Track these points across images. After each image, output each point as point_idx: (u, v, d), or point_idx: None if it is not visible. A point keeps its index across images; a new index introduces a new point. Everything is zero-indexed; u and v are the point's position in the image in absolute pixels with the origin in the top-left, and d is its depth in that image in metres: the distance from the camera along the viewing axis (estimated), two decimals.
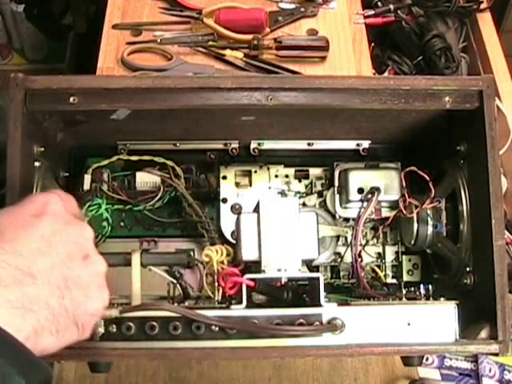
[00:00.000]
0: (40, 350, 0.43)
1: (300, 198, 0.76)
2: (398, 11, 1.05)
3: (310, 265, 0.72)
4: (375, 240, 0.77)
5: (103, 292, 0.49)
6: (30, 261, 0.44)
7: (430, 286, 0.64)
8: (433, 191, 0.69)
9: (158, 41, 0.95)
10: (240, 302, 0.59)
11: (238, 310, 0.59)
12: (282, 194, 0.76)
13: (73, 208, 0.52)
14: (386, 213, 0.74)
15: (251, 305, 0.60)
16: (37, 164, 0.63)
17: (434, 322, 0.60)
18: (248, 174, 0.76)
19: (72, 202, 0.52)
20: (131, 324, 0.58)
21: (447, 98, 0.63)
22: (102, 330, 0.56)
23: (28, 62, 1.65)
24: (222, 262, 0.68)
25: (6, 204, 0.57)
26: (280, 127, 0.70)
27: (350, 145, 0.75)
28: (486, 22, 1.07)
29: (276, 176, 0.77)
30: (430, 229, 0.70)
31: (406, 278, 0.76)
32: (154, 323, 0.58)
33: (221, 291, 0.64)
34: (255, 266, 0.64)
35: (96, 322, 0.50)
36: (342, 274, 0.75)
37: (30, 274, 0.43)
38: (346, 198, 0.73)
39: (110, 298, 0.62)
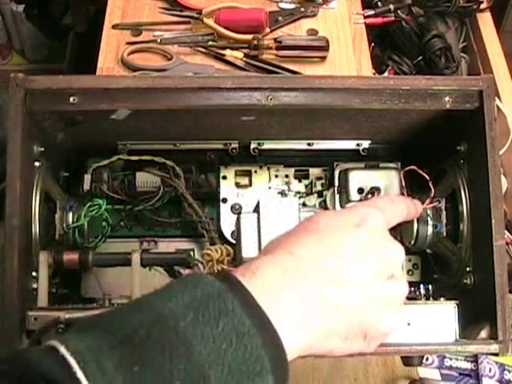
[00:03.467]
0: (326, 351, 0.45)
1: (300, 198, 0.76)
2: (398, 11, 1.05)
3: None
4: None
5: (398, 315, 0.48)
6: (341, 266, 0.45)
7: (430, 286, 0.64)
8: (433, 191, 0.68)
9: (158, 41, 0.95)
10: None
11: None
12: (282, 193, 0.76)
13: (393, 220, 0.52)
14: None
15: None
16: (37, 164, 0.63)
17: (434, 321, 0.60)
18: (248, 173, 0.76)
19: (395, 213, 0.53)
20: None
21: (447, 98, 0.63)
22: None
23: (28, 62, 1.65)
24: (222, 262, 0.68)
25: (5, 203, 0.57)
26: (280, 127, 0.70)
27: (349, 145, 0.75)
28: (486, 22, 1.07)
29: (276, 176, 0.77)
30: (429, 229, 0.70)
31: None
32: None
33: None
34: None
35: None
36: None
37: (340, 279, 0.44)
38: (345, 198, 0.73)
39: (110, 297, 0.63)
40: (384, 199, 0.54)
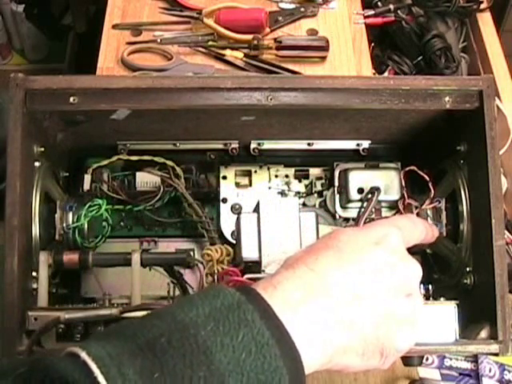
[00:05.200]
0: (343, 366, 0.46)
1: (300, 198, 0.76)
2: (398, 11, 1.05)
3: None
4: None
5: (415, 333, 0.49)
6: (358, 282, 0.45)
7: (430, 286, 0.64)
8: (433, 191, 0.69)
9: (158, 41, 0.95)
10: None
11: None
12: (282, 193, 0.76)
13: (411, 239, 0.53)
14: (386, 213, 0.74)
15: None
16: (37, 164, 0.63)
17: (434, 321, 0.60)
18: (248, 173, 0.76)
19: (413, 233, 0.53)
20: None
21: (447, 98, 0.63)
22: (102, 329, 0.56)
23: (28, 62, 1.65)
24: (222, 262, 0.68)
25: (5, 203, 0.57)
26: (280, 127, 0.70)
27: (349, 145, 0.75)
28: (485, 22, 1.07)
29: (276, 176, 0.77)
30: None
31: None
32: None
33: None
34: (255, 265, 0.64)
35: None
36: None
37: (358, 296, 0.45)
38: (346, 198, 0.73)
39: (110, 297, 0.63)
40: (405, 219, 0.54)
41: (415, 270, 0.49)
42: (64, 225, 0.68)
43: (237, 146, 0.74)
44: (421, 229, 0.55)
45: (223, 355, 0.37)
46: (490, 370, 0.81)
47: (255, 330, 0.39)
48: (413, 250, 0.73)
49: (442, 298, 0.62)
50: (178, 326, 0.38)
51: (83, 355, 0.36)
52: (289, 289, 0.43)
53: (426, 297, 0.64)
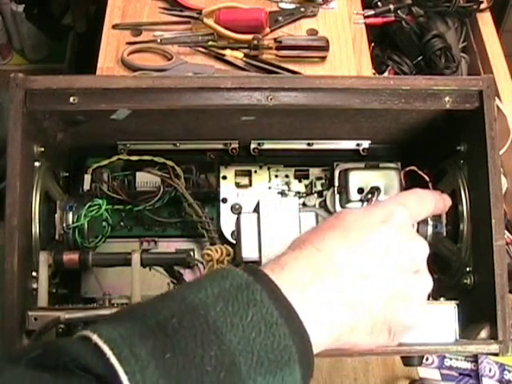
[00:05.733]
0: (351, 344, 0.46)
1: (300, 198, 0.76)
2: (398, 11, 1.05)
3: None
4: None
5: (422, 309, 0.49)
6: (365, 261, 0.46)
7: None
8: None
9: (158, 41, 0.95)
10: None
11: None
12: (282, 193, 0.76)
13: (419, 215, 0.53)
14: None
15: None
16: (37, 164, 0.63)
17: (434, 321, 0.60)
18: (248, 173, 0.76)
19: (421, 208, 0.53)
20: None
21: (447, 98, 0.63)
22: None
23: (28, 62, 1.65)
24: (222, 262, 0.68)
25: (5, 203, 0.57)
26: (280, 127, 0.70)
27: (349, 145, 0.75)
28: (485, 22, 1.07)
29: (276, 176, 0.77)
30: (429, 229, 0.70)
31: None
32: None
33: None
34: (255, 266, 0.64)
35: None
36: None
37: (363, 276, 0.45)
38: (346, 198, 0.73)
39: (110, 297, 0.63)
40: (411, 195, 0.54)
41: (422, 247, 0.49)
42: (64, 225, 0.68)
43: (237, 146, 0.74)
44: (428, 202, 0.54)
45: (233, 335, 0.38)
46: (489, 370, 0.81)
47: (264, 310, 0.39)
48: None
49: (442, 298, 0.62)
50: (189, 307, 0.39)
51: (94, 337, 0.36)
52: (296, 269, 0.44)
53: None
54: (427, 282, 0.50)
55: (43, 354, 0.36)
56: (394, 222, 0.48)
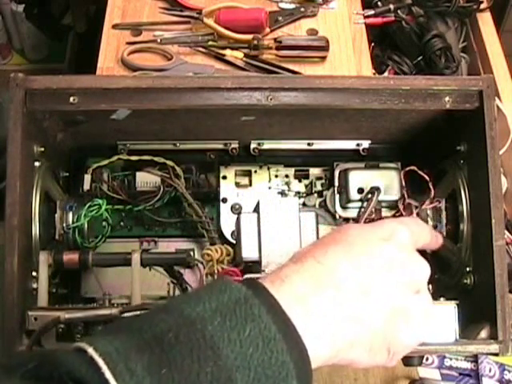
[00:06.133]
0: (349, 361, 0.46)
1: (300, 198, 0.76)
2: (398, 11, 1.05)
3: None
4: None
5: (422, 329, 0.48)
6: (366, 278, 0.45)
7: (430, 286, 0.64)
8: (433, 191, 0.68)
9: (158, 41, 0.95)
10: None
11: None
12: (282, 193, 0.76)
13: (419, 240, 0.52)
14: (385, 213, 0.74)
15: None
16: (37, 164, 0.63)
17: (434, 322, 0.60)
18: (248, 173, 0.76)
19: (422, 234, 0.53)
20: None
21: (447, 98, 0.63)
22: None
23: (28, 62, 1.65)
24: (222, 262, 0.68)
25: (5, 203, 0.57)
26: (280, 127, 0.70)
27: (350, 145, 0.75)
28: (485, 22, 1.07)
29: (276, 176, 0.77)
30: None
31: None
32: None
33: None
34: (255, 265, 0.64)
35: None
36: None
37: (364, 291, 0.45)
38: (346, 198, 0.73)
39: (110, 297, 0.63)
40: (412, 220, 0.54)
41: (424, 267, 0.49)
42: (64, 225, 0.68)
43: (237, 146, 0.74)
44: (427, 231, 0.55)
45: (230, 350, 0.37)
46: (489, 370, 0.81)
47: (262, 325, 0.39)
48: None
49: (442, 298, 0.62)
50: (186, 321, 0.38)
51: (90, 351, 0.36)
52: (296, 282, 0.43)
53: None
54: (427, 303, 0.49)
55: (39, 366, 0.36)
56: (397, 240, 0.48)
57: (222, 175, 0.75)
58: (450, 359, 0.82)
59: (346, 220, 0.75)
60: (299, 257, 0.46)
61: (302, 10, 1.00)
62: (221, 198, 0.74)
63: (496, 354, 0.59)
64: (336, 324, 0.43)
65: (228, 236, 0.73)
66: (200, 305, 0.39)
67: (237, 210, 0.74)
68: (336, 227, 0.74)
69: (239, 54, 0.94)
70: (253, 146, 0.74)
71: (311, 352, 0.41)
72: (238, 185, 0.75)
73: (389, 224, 0.50)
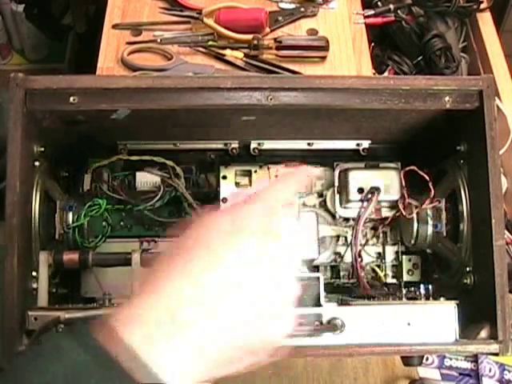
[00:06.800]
0: (223, 376, 0.43)
1: (300, 197, 0.76)
2: (398, 11, 1.05)
3: (309, 265, 0.72)
4: (375, 240, 0.76)
5: (291, 316, 0.46)
6: (218, 292, 0.42)
7: (430, 286, 0.64)
8: (433, 191, 0.68)
9: (158, 41, 0.95)
10: None
11: None
12: None
13: (279, 200, 0.48)
14: (385, 213, 0.74)
15: None
16: (37, 164, 0.63)
17: (433, 322, 0.60)
18: (248, 173, 0.76)
19: (277, 195, 0.48)
20: None
21: (447, 98, 0.63)
22: None
23: (28, 62, 1.65)
24: None
25: (5, 203, 0.57)
26: (280, 127, 0.70)
27: (349, 145, 0.75)
28: (485, 22, 1.08)
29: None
30: (429, 229, 0.70)
31: (406, 277, 0.76)
32: None
33: None
34: None
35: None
36: (341, 273, 0.75)
37: (215, 308, 0.41)
38: (346, 198, 0.73)
39: (110, 297, 0.63)
40: (268, 192, 0.48)
41: (283, 251, 0.45)
42: (64, 225, 0.68)
43: (237, 146, 0.74)
44: (288, 189, 0.50)
45: None
46: (489, 370, 0.81)
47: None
48: (412, 250, 0.74)
49: (442, 298, 0.62)
50: None
51: None
52: (141, 323, 0.40)
53: (426, 297, 0.64)
54: (292, 289, 0.45)
55: None
56: (244, 229, 0.44)
57: (222, 175, 0.75)
58: (450, 359, 0.82)
59: (346, 220, 0.75)
60: (143, 287, 0.43)
61: (302, 9, 1.00)
62: (221, 197, 0.74)
63: (496, 354, 0.59)
64: (191, 356, 0.41)
65: None
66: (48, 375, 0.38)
67: None
68: (334, 227, 0.74)
69: (239, 54, 0.94)
70: (253, 145, 0.74)
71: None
72: (238, 185, 0.75)
73: (229, 214, 0.45)
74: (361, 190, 0.72)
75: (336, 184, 0.74)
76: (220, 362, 0.42)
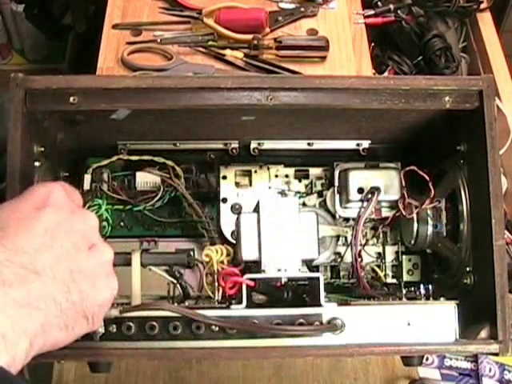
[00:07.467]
0: (50, 345, 0.43)
1: (300, 197, 0.76)
2: (398, 11, 1.05)
3: (309, 265, 0.72)
4: (375, 240, 0.77)
5: (111, 281, 0.48)
6: (33, 257, 0.43)
7: (430, 286, 0.64)
8: (433, 191, 0.68)
9: (158, 41, 0.95)
10: (240, 302, 0.59)
11: (238, 310, 0.59)
12: (282, 193, 0.76)
13: (76, 199, 0.51)
14: (385, 213, 0.74)
15: (251, 305, 0.60)
16: (37, 164, 0.63)
17: (433, 322, 0.60)
18: (248, 173, 0.76)
19: (75, 193, 0.51)
20: (131, 324, 0.58)
21: (447, 98, 0.63)
22: (102, 330, 0.56)
23: (28, 62, 1.65)
24: (222, 262, 0.68)
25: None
26: (280, 127, 0.70)
27: (349, 145, 0.75)
28: (486, 22, 1.08)
29: (276, 176, 0.77)
30: (429, 229, 0.70)
31: (405, 277, 0.76)
32: (154, 323, 0.58)
33: (221, 291, 0.64)
34: (255, 265, 0.64)
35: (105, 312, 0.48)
36: (342, 273, 0.75)
37: (34, 271, 0.42)
38: (346, 198, 0.73)
39: None
40: (57, 183, 0.51)
41: (89, 219, 0.48)
42: None
43: (237, 146, 0.74)
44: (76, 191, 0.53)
45: None
46: (489, 370, 0.81)
47: None
48: (412, 250, 0.74)
49: (442, 298, 0.62)
50: None
51: None
52: None
53: (426, 297, 0.64)
54: (106, 253, 0.48)
55: None
56: (52, 202, 0.46)
57: (222, 175, 0.75)
58: (450, 359, 0.82)
59: (346, 220, 0.75)
60: None
61: (302, 9, 1.00)
62: (221, 197, 0.74)
63: (496, 354, 0.59)
64: (16, 318, 0.40)
65: (228, 236, 0.73)
66: None
67: (237, 209, 0.74)
68: (334, 227, 0.74)
69: (239, 54, 0.94)
70: (253, 145, 0.74)
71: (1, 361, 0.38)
72: (237, 185, 0.75)
73: (38, 189, 0.47)
74: (361, 190, 0.72)
75: (336, 184, 0.74)
76: (47, 328, 0.42)
